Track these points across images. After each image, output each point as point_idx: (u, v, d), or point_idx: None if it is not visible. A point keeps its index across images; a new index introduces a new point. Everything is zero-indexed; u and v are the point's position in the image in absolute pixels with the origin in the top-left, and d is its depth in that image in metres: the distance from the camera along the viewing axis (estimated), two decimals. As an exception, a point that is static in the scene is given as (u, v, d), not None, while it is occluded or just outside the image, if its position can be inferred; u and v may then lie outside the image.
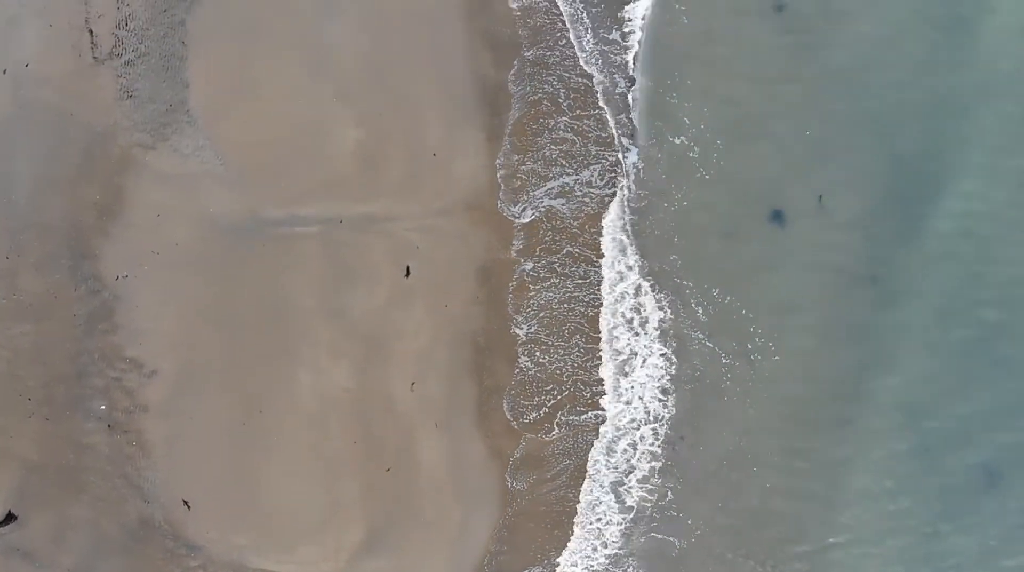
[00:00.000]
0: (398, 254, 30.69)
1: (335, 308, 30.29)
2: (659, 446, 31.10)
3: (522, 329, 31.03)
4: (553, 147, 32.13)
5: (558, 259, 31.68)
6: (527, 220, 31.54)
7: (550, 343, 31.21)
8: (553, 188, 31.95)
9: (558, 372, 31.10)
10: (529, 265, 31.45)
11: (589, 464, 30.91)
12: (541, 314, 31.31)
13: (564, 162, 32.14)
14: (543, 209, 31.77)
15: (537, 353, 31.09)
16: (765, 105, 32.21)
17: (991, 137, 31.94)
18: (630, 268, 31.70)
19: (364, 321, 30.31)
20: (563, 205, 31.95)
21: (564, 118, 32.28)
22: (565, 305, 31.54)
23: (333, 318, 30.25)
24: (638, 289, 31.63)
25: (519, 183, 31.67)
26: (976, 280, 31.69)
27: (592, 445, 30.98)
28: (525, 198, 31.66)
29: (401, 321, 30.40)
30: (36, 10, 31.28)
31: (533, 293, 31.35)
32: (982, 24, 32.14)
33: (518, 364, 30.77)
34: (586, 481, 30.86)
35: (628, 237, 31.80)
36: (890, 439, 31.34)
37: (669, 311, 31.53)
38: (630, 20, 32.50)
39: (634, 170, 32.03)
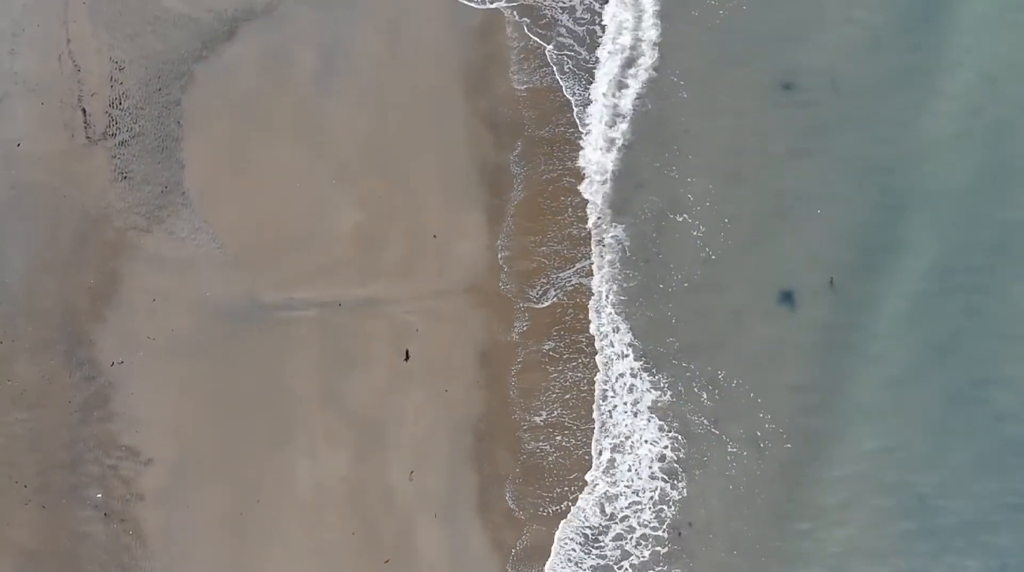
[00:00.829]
0: (397, 337, 30.12)
1: (333, 394, 29.76)
2: (664, 531, 30.51)
3: (540, 415, 30.28)
4: (581, 226, 31.44)
5: (585, 338, 30.96)
6: (546, 304, 30.84)
7: (576, 427, 30.57)
8: (584, 267, 31.23)
9: (586, 457, 30.48)
10: (549, 345, 30.73)
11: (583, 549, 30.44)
12: (566, 396, 30.58)
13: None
14: (570, 288, 31.10)
15: (558, 437, 30.37)
16: (774, 183, 31.57)
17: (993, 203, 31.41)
18: (627, 347, 31.02)
19: (362, 407, 29.77)
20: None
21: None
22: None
23: (331, 404, 29.73)
24: (633, 370, 30.98)
25: (535, 265, 30.90)
26: (984, 359, 30.87)
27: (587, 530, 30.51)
28: (545, 280, 30.95)
29: (400, 407, 29.85)
30: (28, 88, 30.71)
31: (555, 375, 30.57)
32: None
33: (526, 450, 30.05)
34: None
35: (622, 319, 31.06)
36: (899, 520, 30.46)
37: (670, 395, 30.88)
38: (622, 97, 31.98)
39: (627, 249, 31.32)
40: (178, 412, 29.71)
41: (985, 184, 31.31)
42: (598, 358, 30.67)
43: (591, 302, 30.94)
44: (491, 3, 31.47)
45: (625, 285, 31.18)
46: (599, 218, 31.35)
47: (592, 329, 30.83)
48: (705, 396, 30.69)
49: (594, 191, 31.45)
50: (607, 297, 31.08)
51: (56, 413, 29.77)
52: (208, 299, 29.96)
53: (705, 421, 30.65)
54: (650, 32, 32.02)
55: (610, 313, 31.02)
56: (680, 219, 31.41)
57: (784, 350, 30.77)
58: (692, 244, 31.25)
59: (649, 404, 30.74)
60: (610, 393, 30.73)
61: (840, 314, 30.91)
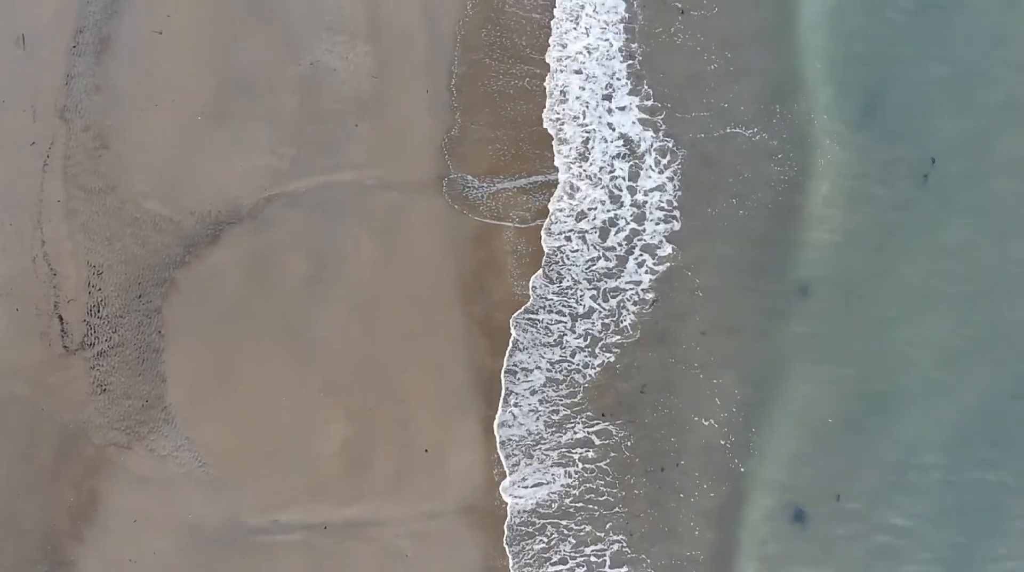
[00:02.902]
0: (385, 563, 28.85)
1: (320, 623, 28.73)
2: None
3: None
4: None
5: (595, 557, 29.67)
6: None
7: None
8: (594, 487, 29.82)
9: None
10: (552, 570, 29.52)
11: None
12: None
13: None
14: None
15: None
16: (791, 391, 30.15)
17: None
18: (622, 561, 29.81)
19: (351, 637, 28.75)
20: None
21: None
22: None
23: (318, 634, 28.71)
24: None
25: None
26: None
27: None
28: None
29: (390, 637, 28.79)
30: (1, 293, 29.23)
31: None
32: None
33: None
34: None
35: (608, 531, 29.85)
36: None
37: (684, 611, 29.72)
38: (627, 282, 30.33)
39: (630, 451, 29.87)
40: (160, 638, 28.81)
41: (990, 398, 30.18)
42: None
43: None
44: (532, 222, 29.92)
45: (631, 493, 29.80)
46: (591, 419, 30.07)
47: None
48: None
49: (591, 393, 30.02)
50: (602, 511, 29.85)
51: (37, 635, 28.92)
52: (190, 521, 28.76)
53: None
54: (664, 225, 30.23)
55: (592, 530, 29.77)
56: (707, 424, 29.98)
57: (797, 565, 29.89)
58: (721, 453, 29.87)
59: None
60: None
61: (848, 529, 29.88)
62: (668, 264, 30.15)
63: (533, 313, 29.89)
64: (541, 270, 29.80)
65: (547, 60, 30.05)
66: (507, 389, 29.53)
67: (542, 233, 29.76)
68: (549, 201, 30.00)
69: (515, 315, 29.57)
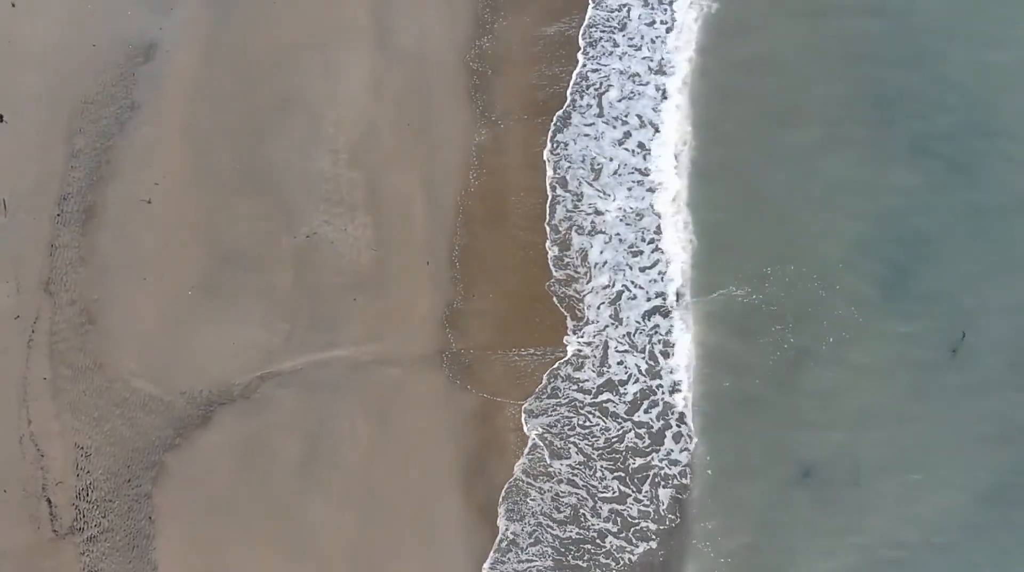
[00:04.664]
0: None
1: None
2: None
3: None
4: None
5: None
6: None
7: None
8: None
9: None
10: None
11: None
12: None
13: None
14: None
15: None
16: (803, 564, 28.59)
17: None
18: None
19: None
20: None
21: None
22: None
23: None
24: None
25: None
26: None
27: None
28: None
29: None
30: (-10, 474, 28.29)
31: None
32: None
33: None
34: None
35: None
36: None
37: None
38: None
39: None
40: None
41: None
42: None
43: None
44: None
45: None
46: None
47: None
48: None
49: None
50: None
51: None
52: None
53: None
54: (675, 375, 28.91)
55: None
56: (723, 561, 28.46)
57: None
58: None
59: None
60: None
61: None
62: (687, 450, 28.80)
63: (531, 480, 28.51)
64: (533, 441, 28.35)
65: (558, 225, 28.48)
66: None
67: (523, 413, 28.30)
68: (561, 374, 28.57)
69: (507, 484, 28.19)
